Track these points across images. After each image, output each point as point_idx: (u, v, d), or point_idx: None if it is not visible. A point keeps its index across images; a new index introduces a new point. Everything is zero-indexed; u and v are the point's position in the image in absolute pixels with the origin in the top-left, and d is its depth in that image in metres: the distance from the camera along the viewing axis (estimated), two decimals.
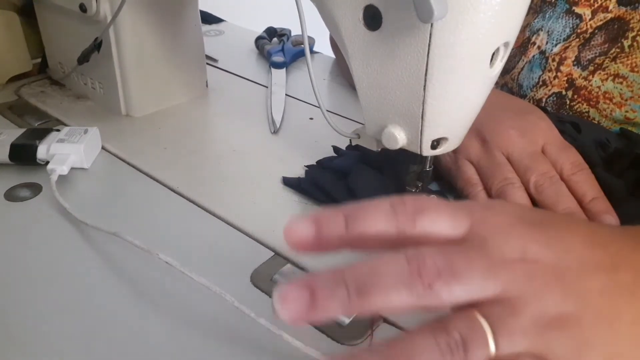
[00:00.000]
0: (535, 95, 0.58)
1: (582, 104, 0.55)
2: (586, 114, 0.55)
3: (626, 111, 0.52)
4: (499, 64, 0.36)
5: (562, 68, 0.56)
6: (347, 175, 0.46)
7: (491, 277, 0.24)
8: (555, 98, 0.57)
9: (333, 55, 0.77)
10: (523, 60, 0.60)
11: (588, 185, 0.43)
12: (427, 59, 0.33)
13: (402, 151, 0.39)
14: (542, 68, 0.58)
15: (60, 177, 0.47)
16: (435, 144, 0.38)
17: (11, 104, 0.61)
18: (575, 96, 0.55)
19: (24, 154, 0.49)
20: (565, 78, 0.56)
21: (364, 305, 0.24)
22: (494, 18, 0.32)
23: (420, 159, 0.40)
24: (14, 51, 0.63)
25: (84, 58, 0.57)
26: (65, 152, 0.48)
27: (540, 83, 0.58)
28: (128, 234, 0.39)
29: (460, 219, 0.26)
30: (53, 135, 0.50)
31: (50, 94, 0.64)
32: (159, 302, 0.36)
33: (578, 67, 0.55)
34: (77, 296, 0.37)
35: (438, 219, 0.26)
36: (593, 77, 0.54)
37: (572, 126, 0.49)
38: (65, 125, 0.57)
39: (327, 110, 0.45)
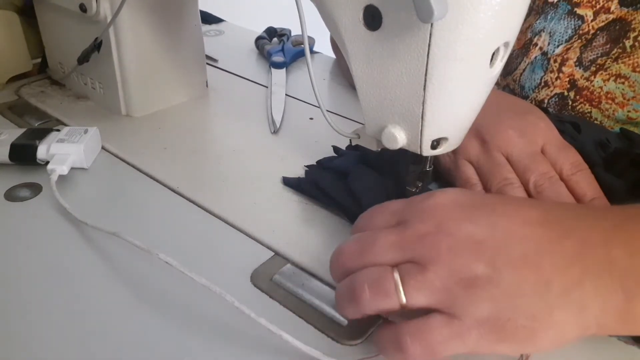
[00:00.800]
0: (537, 96, 0.58)
1: (585, 105, 0.55)
2: (588, 115, 0.55)
3: (628, 111, 0.52)
4: (499, 64, 0.36)
5: (564, 69, 0.56)
6: (347, 176, 0.46)
7: (399, 247, 0.31)
8: (557, 99, 0.57)
9: (333, 55, 0.77)
10: (525, 62, 0.60)
11: (588, 185, 0.43)
12: (427, 59, 0.33)
13: (402, 151, 0.39)
14: (544, 69, 0.58)
15: (60, 177, 0.47)
16: (435, 144, 0.38)
17: (11, 104, 0.61)
18: (578, 97, 0.55)
19: (24, 154, 0.49)
20: (567, 79, 0.56)
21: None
22: (494, 18, 0.32)
23: (420, 159, 0.40)
24: (14, 51, 0.63)
25: (84, 58, 0.57)
26: (65, 152, 0.48)
27: (542, 84, 0.58)
28: (128, 234, 0.39)
29: (392, 216, 0.33)
30: (53, 135, 0.50)
31: (50, 94, 0.64)
32: (159, 302, 0.36)
33: (580, 68, 0.55)
34: (77, 296, 0.37)
35: (379, 222, 0.34)
36: (595, 77, 0.54)
37: (572, 126, 0.49)
38: (65, 125, 0.57)
39: (327, 110, 0.45)
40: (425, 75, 0.34)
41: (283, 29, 0.85)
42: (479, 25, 0.32)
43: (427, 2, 0.30)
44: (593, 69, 0.54)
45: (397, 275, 0.30)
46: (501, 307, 0.28)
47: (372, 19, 0.35)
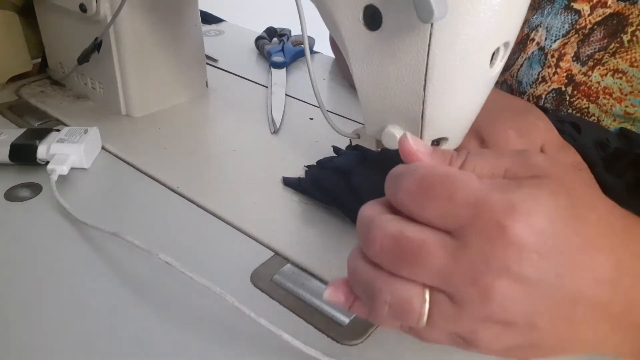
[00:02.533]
0: (534, 91, 0.58)
1: (582, 100, 0.55)
2: (586, 110, 0.55)
3: (626, 106, 0.52)
4: (499, 64, 0.35)
5: (561, 64, 0.56)
6: (347, 175, 0.46)
7: (443, 278, 0.25)
8: (554, 94, 0.57)
9: (333, 55, 0.77)
10: (522, 57, 0.60)
11: None
12: (427, 59, 0.33)
13: None
14: (542, 64, 0.58)
15: (60, 177, 0.47)
16: (435, 144, 0.38)
17: (11, 104, 0.61)
18: (575, 92, 0.55)
19: (24, 154, 0.49)
20: (565, 74, 0.56)
21: None
22: (494, 18, 0.32)
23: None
24: (14, 51, 0.63)
25: (84, 58, 0.57)
26: (65, 152, 0.48)
27: (540, 79, 0.58)
28: (128, 234, 0.39)
29: (457, 209, 0.26)
30: (53, 135, 0.50)
31: (50, 94, 0.64)
32: (159, 302, 0.36)
33: (577, 63, 0.55)
34: (77, 296, 0.37)
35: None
36: (592, 72, 0.54)
37: (571, 126, 0.49)
38: (65, 125, 0.57)
39: (327, 110, 0.45)
40: (425, 75, 0.34)
41: (283, 29, 0.85)
42: (479, 25, 0.32)
43: (427, 2, 0.30)
44: (590, 63, 0.54)
45: (426, 304, 0.25)
46: (525, 349, 0.26)
47: (372, 18, 0.35)
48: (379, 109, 0.38)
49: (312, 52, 0.81)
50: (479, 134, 0.45)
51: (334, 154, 0.52)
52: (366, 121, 0.40)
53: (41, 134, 0.50)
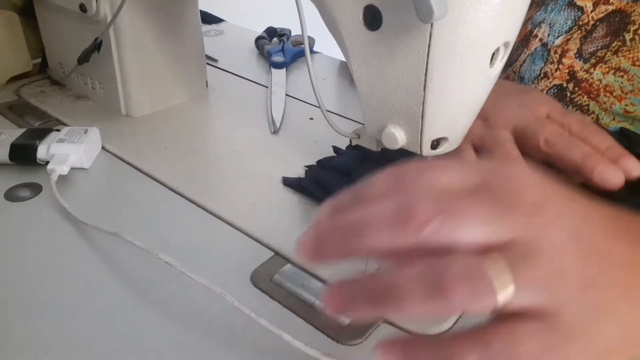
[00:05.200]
0: (536, 87, 0.58)
1: (583, 97, 0.55)
2: (586, 107, 0.55)
3: (626, 105, 0.52)
4: (499, 64, 0.36)
5: (564, 60, 0.56)
6: (347, 174, 0.46)
7: (504, 217, 0.22)
8: (556, 90, 0.57)
9: (333, 55, 0.77)
10: (525, 53, 0.60)
11: (600, 136, 0.42)
12: (427, 59, 0.33)
13: (402, 151, 0.39)
14: (544, 60, 0.58)
15: (60, 177, 0.47)
16: (435, 144, 0.38)
17: (11, 104, 0.61)
18: (576, 89, 0.55)
19: (24, 154, 0.49)
20: (567, 70, 0.56)
21: (353, 248, 0.23)
22: (494, 18, 0.32)
23: (420, 159, 0.40)
24: (14, 51, 0.63)
25: (84, 58, 0.57)
26: (65, 152, 0.48)
27: (542, 75, 0.58)
28: (128, 234, 0.39)
29: (469, 172, 0.24)
30: (53, 135, 0.50)
31: (50, 94, 0.64)
32: (159, 302, 0.36)
33: (580, 60, 0.55)
34: (77, 296, 0.37)
35: (446, 176, 0.24)
36: (594, 69, 0.54)
37: None
38: (65, 125, 0.57)
39: (327, 110, 0.45)
40: (425, 75, 0.34)
41: (283, 29, 0.85)
42: (479, 25, 0.32)
43: (427, 2, 0.30)
44: (593, 61, 0.54)
45: (501, 263, 0.21)
46: (598, 314, 0.23)
47: (372, 19, 0.35)
48: (379, 109, 0.38)
49: (312, 52, 0.81)
50: (483, 115, 0.44)
51: (334, 154, 0.52)
52: (366, 121, 0.40)
53: (41, 134, 0.50)
